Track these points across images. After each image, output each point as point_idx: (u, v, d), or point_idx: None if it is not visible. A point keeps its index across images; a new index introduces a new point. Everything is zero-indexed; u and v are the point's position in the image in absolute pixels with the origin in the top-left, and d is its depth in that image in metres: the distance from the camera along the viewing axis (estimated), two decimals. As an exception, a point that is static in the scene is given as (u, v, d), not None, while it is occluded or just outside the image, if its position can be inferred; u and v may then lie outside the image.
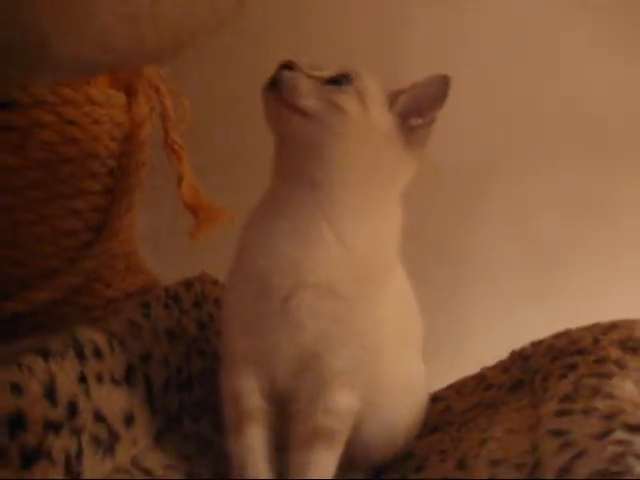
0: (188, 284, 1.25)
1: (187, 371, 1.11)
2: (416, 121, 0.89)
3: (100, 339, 0.92)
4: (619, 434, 0.74)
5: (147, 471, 0.90)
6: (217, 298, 1.29)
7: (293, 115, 0.86)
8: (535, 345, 1.16)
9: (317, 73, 0.89)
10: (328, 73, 0.89)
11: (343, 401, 0.88)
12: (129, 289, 1.24)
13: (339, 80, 0.88)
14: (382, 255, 0.91)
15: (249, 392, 0.89)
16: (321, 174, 0.86)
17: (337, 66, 0.91)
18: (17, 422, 0.72)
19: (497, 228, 1.85)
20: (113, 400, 0.90)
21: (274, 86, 0.87)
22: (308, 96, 0.86)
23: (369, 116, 0.87)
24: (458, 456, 0.97)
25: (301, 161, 0.87)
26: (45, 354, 0.82)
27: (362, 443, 0.96)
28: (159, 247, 1.43)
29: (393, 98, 0.90)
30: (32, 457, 0.72)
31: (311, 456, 0.86)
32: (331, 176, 0.86)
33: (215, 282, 1.34)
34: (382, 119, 0.88)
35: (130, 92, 1.25)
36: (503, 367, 1.20)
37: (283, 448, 0.90)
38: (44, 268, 1.16)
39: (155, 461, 0.93)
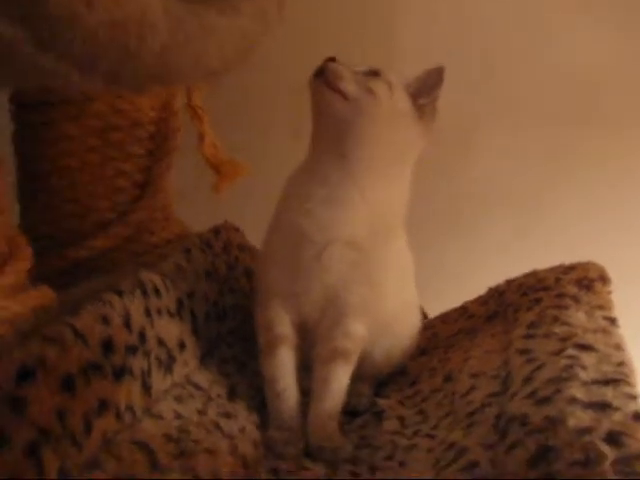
0: (216, 231, 1.42)
1: (222, 305, 1.29)
2: (424, 100, 1.10)
3: (157, 279, 1.10)
4: (570, 351, 0.95)
5: (197, 385, 1.09)
6: (240, 244, 1.48)
7: (335, 96, 1.05)
8: (509, 282, 1.39)
9: (354, 68, 1.08)
10: (362, 69, 1.09)
11: (357, 328, 1.09)
12: (168, 237, 1.43)
13: (373, 71, 1.09)
14: (395, 213, 1.12)
15: (280, 321, 1.10)
16: (352, 148, 1.06)
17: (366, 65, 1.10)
18: (107, 345, 0.89)
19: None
20: (169, 329, 1.08)
21: (321, 74, 1.06)
22: (349, 81, 1.05)
23: (394, 99, 1.07)
24: (445, 372, 1.19)
25: (336, 137, 1.06)
26: (119, 293, 0.99)
27: (371, 362, 1.19)
28: (185, 200, 1.58)
29: (407, 85, 1.10)
30: (120, 373, 0.90)
31: (332, 370, 1.07)
32: (361, 150, 1.06)
33: (237, 229, 1.52)
34: (403, 101, 1.09)
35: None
36: (482, 301, 1.42)
37: (307, 369, 1.11)
38: (100, 220, 1.36)
39: (203, 378, 1.13)
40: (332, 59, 1.07)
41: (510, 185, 2.02)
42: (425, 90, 1.11)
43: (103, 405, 0.84)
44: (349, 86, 1.05)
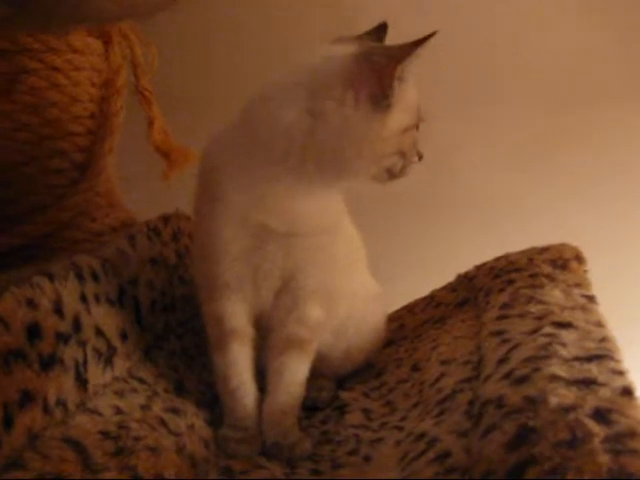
0: (166, 219, 1.34)
1: (170, 295, 1.21)
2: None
3: (95, 264, 1.02)
4: (547, 329, 0.89)
5: (140, 379, 1.01)
6: (191, 232, 1.40)
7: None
8: (478, 267, 1.32)
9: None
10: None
11: (313, 313, 1.01)
12: (112, 223, 1.34)
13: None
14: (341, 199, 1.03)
15: (232, 314, 1.00)
16: (303, 159, 0.91)
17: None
18: (34, 331, 0.81)
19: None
20: (109, 318, 1.00)
21: None
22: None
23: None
24: (412, 362, 1.12)
25: (283, 151, 0.91)
26: (50, 276, 0.91)
27: (329, 363, 1.12)
28: (133, 188, 1.50)
29: None
30: (48, 362, 0.82)
31: (286, 360, 0.99)
32: (314, 160, 0.91)
33: (188, 218, 1.42)
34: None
35: (106, 40, 1.32)
36: (451, 288, 1.35)
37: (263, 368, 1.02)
38: (35, 204, 1.25)
39: (148, 372, 1.04)
40: None
41: (478, 179, 1.97)
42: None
43: (27, 397, 0.77)
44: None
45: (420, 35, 0.84)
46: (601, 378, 0.73)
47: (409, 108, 0.92)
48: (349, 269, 1.10)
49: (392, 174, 0.95)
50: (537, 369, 0.78)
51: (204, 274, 1.03)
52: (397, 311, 1.42)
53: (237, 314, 1.00)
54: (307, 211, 0.96)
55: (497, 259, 1.27)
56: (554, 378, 0.74)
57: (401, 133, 0.91)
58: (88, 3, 0.69)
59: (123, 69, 1.34)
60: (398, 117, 0.90)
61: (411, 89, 0.92)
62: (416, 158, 0.97)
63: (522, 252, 1.24)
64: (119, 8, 0.77)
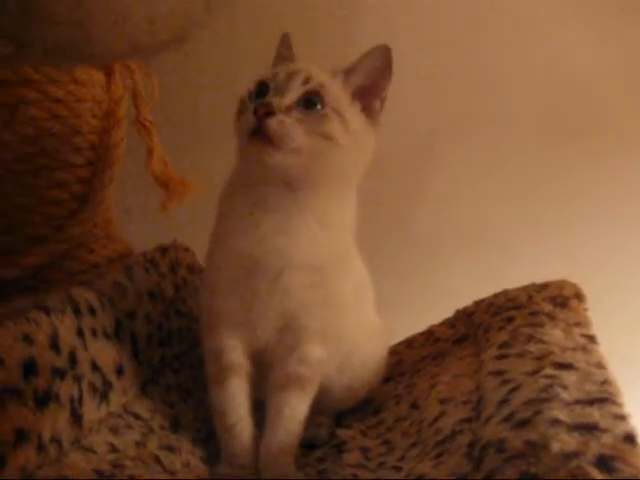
0: (163, 250, 1.33)
1: (167, 328, 1.20)
2: (377, 104, 0.98)
3: (92, 297, 1.01)
4: (548, 370, 0.87)
5: (136, 415, 1.00)
6: (189, 264, 1.39)
7: (285, 156, 0.88)
8: (477, 303, 1.31)
9: (287, 100, 0.91)
10: (296, 93, 0.91)
11: (315, 353, 0.99)
12: (110, 255, 1.33)
13: (312, 100, 0.91)
14: (349, 232, 1.02)
15: (231, 349, 0.99)
16: (305, 185, 0.93)
17: (292, 70, 0.94)
18: (30, 367, 0.80)
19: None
20: (106, 352, 0.99)
21: (259, 133, 0.88)
22: (298, 134, 0.88)
23: (349, 127, 0.92)
24: (411, 399, 1.11)
25: (285, 180, 0.92)
26: (47, 310, 0.90)
27: (330, 397, 1.10)
28: (130, 218, 1.50)
29: (346, 80, 0.96)
30: (44, 399, 0.80)
31: (285, 398, 0.98)
32: (316, 185, 0.94)
33: (187, 249, 1.43)
34: (356, 120, 0.95)
35: (108, 72, 1.32)
36: (449, 323, 1.34)
37: (261, 402, 1.01)
38: (32, 235, 1.24)
39: (143, 407, 1.03)
40: (267, 110, 0.88)
41: (474, 212, 1.96)
42: (372, 84, 0.96)
43: (21, 435, 0.76)
44: (301, 139, 0.89)
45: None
46: (603, 423, 0.72)
47: None
48: (356, 307, 1.09)
49: None
50: (538, 412, 0.76)
51: (204, 305, 1.04)
52: (395, 346, 1.40)
53: (236, 348, 0.99)
54: (299, 245, 0.95)
55: (496, 295, 1.27)
56: (556, 422, 0.73)
57: None
58: (94, 43, 0.69)
59: (124, 100, 1.34)
60: None
61: None
62: None
63: (521, 288, 1.23)
64: (125, 48, 0.77)
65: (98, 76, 1.31)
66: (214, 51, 1.24)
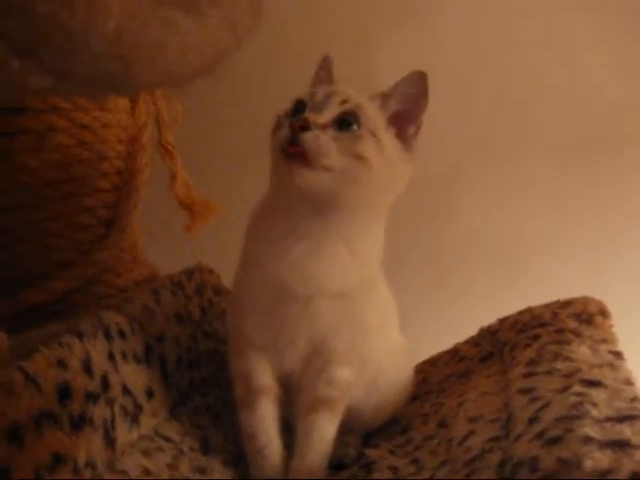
0: (189, 273, 1.34)
1: (195, 351, 1.21)
2: (412, 129, 0.97)
3: (122, 321, 1.02)
4: (577, 388, 0.87)
5: (167, 438, 1.00)
6: (214, 286, 1.40)
7: (319, 174, 0.88)
8: (502, 321, 1.31)
9: (324, 118, 0.91)
10: (332, 112, 0.91)
11: (343, 375, 1.00)
12: (136, 278, 1.34)
13: (348, 120, 0.91)
14: (376, 258, 1.02)
15: (260, 372, 1.00)
16: (337, 209, 0.93)
17: (330, 91, 0.95)
18: (64, 392, 0.81)
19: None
20: (136, 375, 1.00)
21: (292, 151, 0.88)
22: (333, 152, 0.88)
23: (383, 151, 0.92)
24: (439, 418, 1.10)
25: (318, 202, 0.93)
26: (79, 335, 0.91)
27: (359, 417, 1.11)
28: (155, 241, 1.51)
29: (382, 104, 0.96)
30: (78, 423, 0.81)
31: (314, 420, 0.99)
32: (348, 210, 0.94)
33: (211, 271, 1.44)
34: (391, 145, 0.95)
35: (133, 97, 1.35)
36: (474, 342, 1.34)
37: (290, 424, 1.02)
38: (61, 260, 1.26)
39: (173, 430, 1.04)
40: (303, 125, 0.88)
41: (499, 230, 1.97)
42: (409, 110, 0.97)
43: (58, 459, 0.76)
44: (334, 157, 0.88)
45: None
46: (635, 440, 0.72)
47: None
48: (381, 329, 1.09)
49: None
50: (569, 430, 0.76)
51: (232, 328, 1.05)
52: (420, 364, 1.41)
53: (265, 371, 1.00)
54: (329, 271, 0.96)
55: (520, 313, 1.27)
56: (587, 440, 0.73)
57: None
58: (131, 75, 0.71)
59: (148, 125, 1.36)
60: None
61: None
62: None
63: (545, 306, 1.23)
64: (159, 77, 0.79)
65: (123, 102, 1.34)
66: (238, 74, 1.25)
